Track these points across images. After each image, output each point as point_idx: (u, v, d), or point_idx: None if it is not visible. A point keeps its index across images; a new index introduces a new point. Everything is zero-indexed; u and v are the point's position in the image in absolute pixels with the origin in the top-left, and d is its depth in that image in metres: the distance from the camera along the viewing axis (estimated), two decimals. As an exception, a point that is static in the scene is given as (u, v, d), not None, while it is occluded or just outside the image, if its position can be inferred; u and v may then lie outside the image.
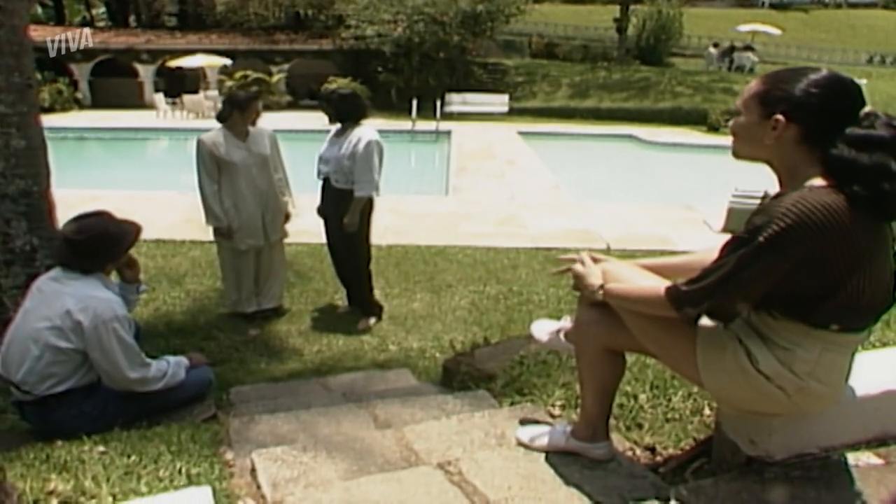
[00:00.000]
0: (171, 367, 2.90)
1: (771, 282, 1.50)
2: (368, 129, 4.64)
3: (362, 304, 5.12)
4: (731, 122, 1.71)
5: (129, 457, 2.22)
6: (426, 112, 18.69)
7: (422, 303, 5.48)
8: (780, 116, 1.54)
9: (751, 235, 1.48)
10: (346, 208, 4.60)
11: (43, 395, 2.64)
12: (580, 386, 2.05)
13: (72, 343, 2.61)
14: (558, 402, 2.62)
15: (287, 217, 4.97)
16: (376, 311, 5.11)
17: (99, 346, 2.61)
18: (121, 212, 2.94)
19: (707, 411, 2.32)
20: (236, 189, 4.61)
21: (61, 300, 2.63)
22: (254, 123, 4.70)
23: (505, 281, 6.02)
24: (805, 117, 1.52)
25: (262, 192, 4.70)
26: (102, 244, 2.75)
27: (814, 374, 1.57)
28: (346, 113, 4.65)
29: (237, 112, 4.57)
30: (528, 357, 3.18)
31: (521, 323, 4.88)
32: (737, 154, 1.69)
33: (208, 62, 23.06)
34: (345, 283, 5.22)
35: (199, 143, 4.52)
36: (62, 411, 2.66)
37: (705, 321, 1.69)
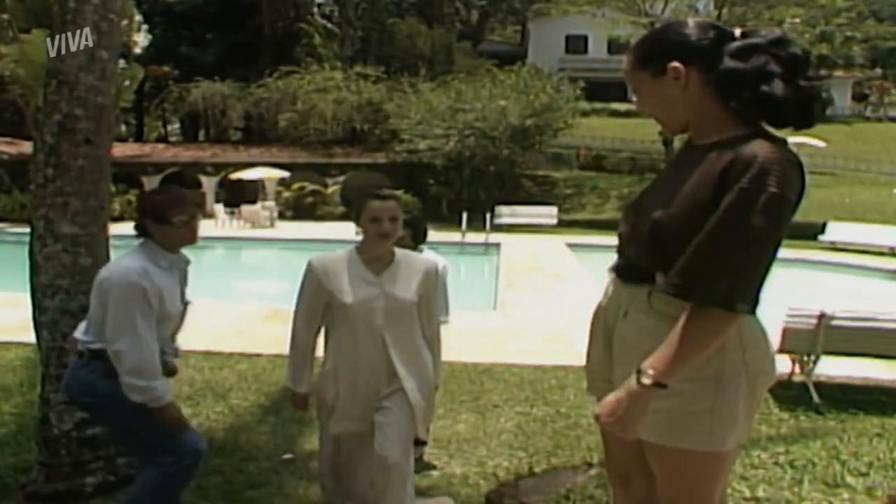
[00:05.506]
0: (160, 386, 2.72)
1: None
2: (432, 254, 4.07)
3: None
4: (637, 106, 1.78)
5: None
6: (476, 224, 19.05)
7: (466, 424, 5.34)
8: (675, 64, 1.52)
9: (758, 188, 1.41)
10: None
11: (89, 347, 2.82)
12: None
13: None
14: (606, 549, 2.46)
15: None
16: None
17: (102, 305, 2.74)
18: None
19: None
20: (343, 342, 2.92)
21: None
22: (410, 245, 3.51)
23: (552, 402, 5.85)
24: (695, 53, 1.52)
25: (385, 355, 2.91)
26: (141, 206, 3.02)
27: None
28: (423, 236, 4.29)
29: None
30: (574, 491, 3.05)
31: (569, 448, 4.69)
32: (670, 129, 1.69)
33: (267, 174, 24.33)
34: None
35: (308, 266, 2.95)
36: (84, 372, 2.81)
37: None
